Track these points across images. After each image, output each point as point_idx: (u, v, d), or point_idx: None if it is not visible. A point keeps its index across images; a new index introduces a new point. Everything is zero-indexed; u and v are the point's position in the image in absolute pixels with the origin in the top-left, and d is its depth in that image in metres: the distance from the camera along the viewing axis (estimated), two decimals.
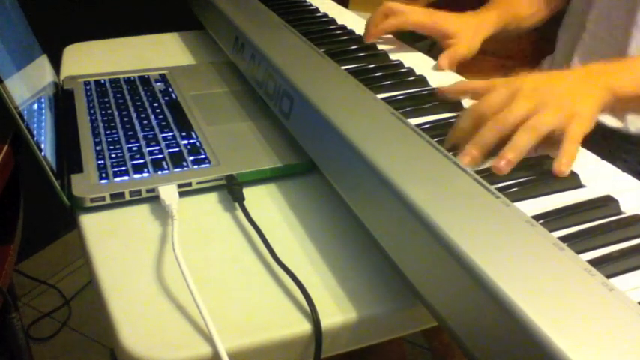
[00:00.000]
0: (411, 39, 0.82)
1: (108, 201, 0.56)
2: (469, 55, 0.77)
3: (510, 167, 0.48)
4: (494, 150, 0.51)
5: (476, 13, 0.82)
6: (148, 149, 0.63)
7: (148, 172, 0.59)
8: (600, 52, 0.80)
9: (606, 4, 0.78)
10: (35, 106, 0.62)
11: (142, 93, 0.77)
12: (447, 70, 0.73)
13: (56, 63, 0.88)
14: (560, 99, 0.50)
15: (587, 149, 0.53)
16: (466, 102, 0.62)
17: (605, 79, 0.54)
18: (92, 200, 0.55)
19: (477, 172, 0.47)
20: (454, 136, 0.53)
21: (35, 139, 0.56)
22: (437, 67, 0.73)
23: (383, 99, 0.59)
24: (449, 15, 0.80)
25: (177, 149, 0.63)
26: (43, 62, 0.77)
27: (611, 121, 0.77)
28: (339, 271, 0.50)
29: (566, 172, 0.48)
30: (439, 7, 0.80)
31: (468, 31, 0.78)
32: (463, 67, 0.76)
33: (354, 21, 0.88)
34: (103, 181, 0.58)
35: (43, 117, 0.63)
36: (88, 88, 0.78)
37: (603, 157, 0.52)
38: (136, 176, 0.59)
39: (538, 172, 0.50)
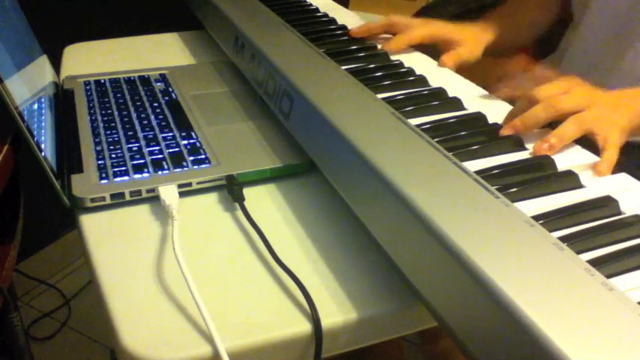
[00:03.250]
0: None
1: (108, 201, 0.56)
2: (470, 60, 0.78)
3: (552, 152, 0.51)
4: (495, 150, 0.51)
5: (476, 23, 0.83)
6: (148, 149, 0.63)
7: (148, 172, 0.59)
8: (595, 58, 0.80)
9: (602, 16, 0.79)
10: (35, 106, 0.62)
11: (142, 93, 0.77)
12: (443, 70, 0.73)
13: (56, 63, 0.88)
14: (605, 106, 0.53)
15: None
16: (466, 103, 0.62)
17: (636, 104, 0.56)
18: (92, 200, 0.56)
19: (477, 172, 0.47)
20: (511, 112, 0.56)
21: (35, 139, 0.56)
22: (439, 65, 0.73)
23: (383, 99, 0.59)
24: (449, 24, 0.81)
25: (177, 149, 0.63)
26: (43, 62, 0.77)
27: None
28: (339, 271, 0.50)
29: (608, 174, 0.50)
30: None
31: (470, 39, 0.79)
32: (463, 66, 0.76)
33: (354, 21, 0.88)
34: (103, 181, 0.58)
35: (43, 117, 0.63)
36: (88, 88, 0.78)
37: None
38: (136, 176, 0.59)
39: (538, 172, 0.50)
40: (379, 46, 0.78)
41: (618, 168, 0.52)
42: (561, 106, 0.52)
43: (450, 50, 0.78)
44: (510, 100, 0.62)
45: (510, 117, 0.56)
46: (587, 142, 0.54)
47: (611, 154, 0.52)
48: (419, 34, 0.78)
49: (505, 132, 0.54)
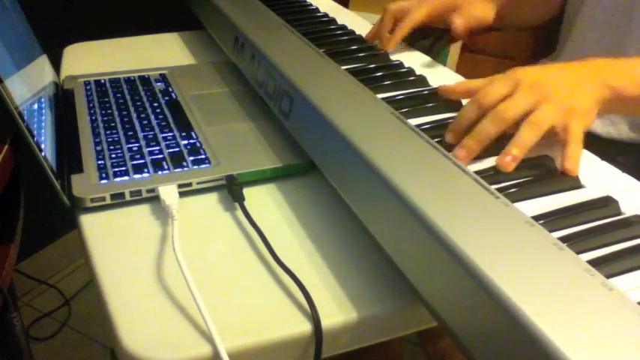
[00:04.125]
0: (411, 39, 0.82)
1: (108, 201, 0.56)
2: (483, 18, 0.75)
3: (516, 163, 0.49)
4: (494, 150, 0.51)
5: None
6: (148, 149, 0.63)
7: (148, 172, 0.59)
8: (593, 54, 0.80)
9: (599, 12, 0.78)
10: (35, 106, 0.62)
11: (142, 93, 0.77)
12: (461, 31, 0.72)
13: (56, 63, 0.88)
14: (559, 93, 0.50)
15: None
16: (465, 102, 0.62)
17: (605, 75, 0.53)
18: (92, 200, 0.56)
19: (477, 172, 0.47)
20: (456, 123, 0.53)
21: (35, 139, 0.56)
22: (453, 28, 0.72)
23: (383, 99, 0.59)
24: None
25: (177, 149, 0.63)
26: (43, 62, 0.77)
27: (603, 130, 0.77)
28: (339, 271, 0.50)
29: (576, 171, 0.49)
30: None
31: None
32: (463, 67, 0.76)
33: (354, 21, 0.88)
34: (103, 181, 0.58)
35: (43, 117, 0.63)
36: (88, 88, 0.78)
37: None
38: (136, 176, 0.59)
39: (538, 172, 0.50)
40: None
41: (618, 168, 0.52)
42: (509, 116, 0.50)
43: (447, 16, 0.76)
44: None
45: (457, 125, 0.53)
46: (586, 141, 0.53)
47: (574, 149, 0.49)
48: (418, 17, 0.76)
49: (459, 154, 0.50)
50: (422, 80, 0.68)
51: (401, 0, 0.79)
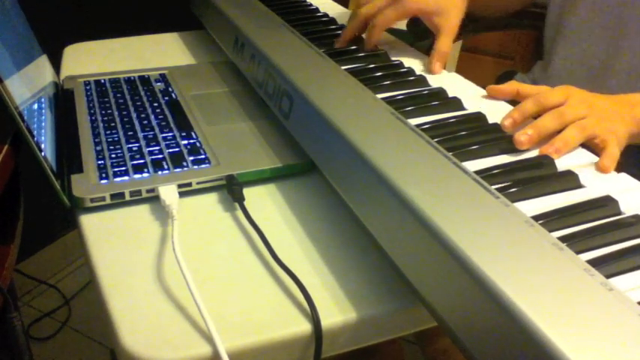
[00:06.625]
0: (411, 39, 0.82)
1: (108, 201, 0.56)
2: (454, 36, 0.75)
3: (558, 156, 0.52)
4: (494, 150, 0.51)
5: None
6: (148, 149, 0.63)
7: (148, 172, 0.59)
8: (582, 58, 0.80)
9: (589, 14, 0.79)
10: (35, 106, 0.62)
11: (142, 93, 0.77)
12: (442, 71, 0.72)
13: (56, 63, 0.88)
14: (602, 115, 0.56)
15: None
16: (466, 103, 0.62)
17: (634, 112, 0.57)
18: (92, 200, 0.56)
19: (477, 173, 0.47)
20: (517, 112, 0.56)
21: (35, 139, 0.56)
22: (431, 73, 0.71)
23: (383, 99, 0.59)
24: None
25: (177, 149, 0.63)
26: (43, 62, 0.77)
27: None
28: (339, 271, 0.50)
29: (610, 170, 0.51)
30: None
31: (447, 6, 0.76)
32: (463, 67, 0.76)
33: None
34: (103, 181, 0.58)
35: (43, 117, 0.63)
36: (88, 88, 0.78)
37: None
38: (136, 176, 0.59)
39: (538, 172, 0.50)
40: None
41: (618, 168, 0.52)
42: (568, 117, 0.54)
43: (431, 24, 0.75)
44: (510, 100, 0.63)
45: (518, 114, 0.56)
46: (585, 144, 0.54)
47: (613, 151, 0.52)
48: (392, 16, 0.73)
49: (521, 138, 0.53)
50: (422, 80, 0.68)
51: (369, 2, 0.76)
